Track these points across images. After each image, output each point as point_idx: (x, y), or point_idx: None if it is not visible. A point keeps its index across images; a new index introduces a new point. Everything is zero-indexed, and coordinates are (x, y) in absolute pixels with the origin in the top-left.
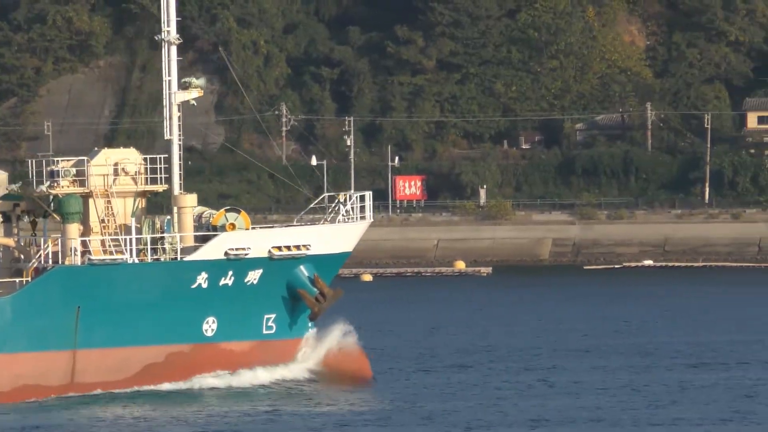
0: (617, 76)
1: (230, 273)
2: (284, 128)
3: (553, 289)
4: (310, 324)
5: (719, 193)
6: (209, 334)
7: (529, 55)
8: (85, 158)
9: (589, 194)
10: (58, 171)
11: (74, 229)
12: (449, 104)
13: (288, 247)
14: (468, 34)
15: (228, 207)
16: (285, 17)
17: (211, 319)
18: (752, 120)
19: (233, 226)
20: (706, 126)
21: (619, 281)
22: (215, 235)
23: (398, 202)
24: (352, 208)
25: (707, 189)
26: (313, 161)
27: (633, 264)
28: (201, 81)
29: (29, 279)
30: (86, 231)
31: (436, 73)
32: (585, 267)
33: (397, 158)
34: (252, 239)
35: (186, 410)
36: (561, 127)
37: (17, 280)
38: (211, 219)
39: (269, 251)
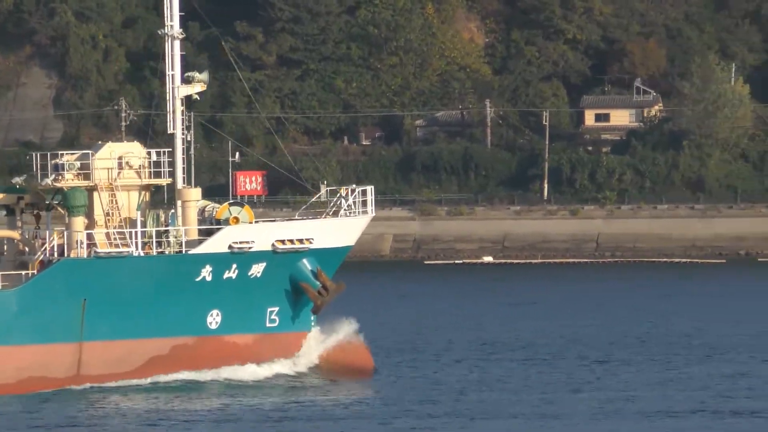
0: (456, 73)
1: (234, 266)
2: (123, 123)
3: (393, 284)
4: (312, 317)
5: (557, 189)
6: (213, 326)
7: (369, 51)
8: (90, 152)
9: (429, 190)
10: (62, 164)
11: (80, 222)
12: (289, 100)
13: (291, 241)
14: (308, 31)
15: (231, 201)
16: (124, 11)
17: (215, 311)
18: (590, 117)
19: (237, 220)
20: (544, 123)
21: (459, 277)
22: (219, 229)
23: (239, 197)
24: (354, 203)
25: (546, 186)
26: (153, 157)
27: (473, 260)
28: (204, 75)
29: (35, 272)
30: (90, 224)
31: (276, 69)
32: (425, 262)
33: (237, 154)
34: (256, 233)
35: (189, 402)
36: (401, 123)
37: (23, 272)
38: (214, 212)
39: (273, 245)
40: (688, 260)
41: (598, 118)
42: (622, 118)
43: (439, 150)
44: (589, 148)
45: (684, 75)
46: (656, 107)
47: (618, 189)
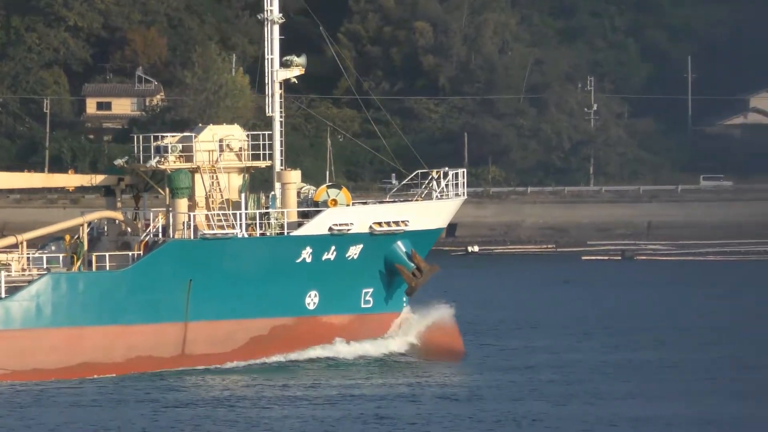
0: None
1: (333, 248)
2: None
3: None
4: (405, 299)
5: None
6: (311, 307)
7: None
8: (192, 134)
9: None
10: (165, 147)
11: (184, 203)
12: None
13: (388, 223)
14: None
15: (329, 183)
16: None
17: (313, 292)
18: (91, 106)
19: (335, 202)
20: (45, 111)
21: None
22: (316, 211)
23: None
24: (447, 185)
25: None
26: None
27: None
28: (302, 59)
29: (140, 252)
30: (192, 205)
31: None
32: None
33: None
34: (355, 215)
35: (287, 382)
36: None
37: (129, 253)
38: (311, 194)
39: (370, 227)
40: None
41: (100, 106)
42: (124, 106)
43: None
44: (91, 136)
45: (186, 64)
46: (158, 96)
47: None
